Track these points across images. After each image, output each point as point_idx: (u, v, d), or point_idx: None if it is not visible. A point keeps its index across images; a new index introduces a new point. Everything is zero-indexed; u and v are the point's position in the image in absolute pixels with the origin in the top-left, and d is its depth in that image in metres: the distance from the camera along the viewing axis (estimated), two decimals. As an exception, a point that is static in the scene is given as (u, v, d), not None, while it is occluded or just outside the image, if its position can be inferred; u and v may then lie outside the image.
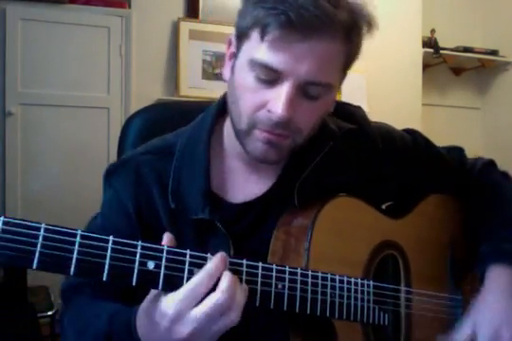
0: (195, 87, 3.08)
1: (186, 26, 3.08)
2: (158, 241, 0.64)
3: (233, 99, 0.76)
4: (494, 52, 3.88)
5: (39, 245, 0.55)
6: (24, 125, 2.78)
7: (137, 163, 0.82)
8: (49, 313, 2.03)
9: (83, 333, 0.72)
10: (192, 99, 2.88)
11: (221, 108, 0.85)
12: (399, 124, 1.03)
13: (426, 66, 3.82)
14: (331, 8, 0.67)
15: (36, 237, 0.55)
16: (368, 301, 0.76)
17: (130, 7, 3.02)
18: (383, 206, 0.90)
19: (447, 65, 3.96)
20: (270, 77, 0.70)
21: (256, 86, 0.71)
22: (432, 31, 3.73)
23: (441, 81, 4.07)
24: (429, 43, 3.71)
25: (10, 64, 2.76)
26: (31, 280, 2.08)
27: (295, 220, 0.78)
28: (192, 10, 3.13)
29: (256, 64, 0.70)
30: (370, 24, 0.76)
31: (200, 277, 0.61)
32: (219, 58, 3.07)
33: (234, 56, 0.76)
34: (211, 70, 3.11)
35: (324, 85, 0.72)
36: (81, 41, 2.88)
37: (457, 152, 0.99)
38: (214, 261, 0.62)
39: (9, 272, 1.92)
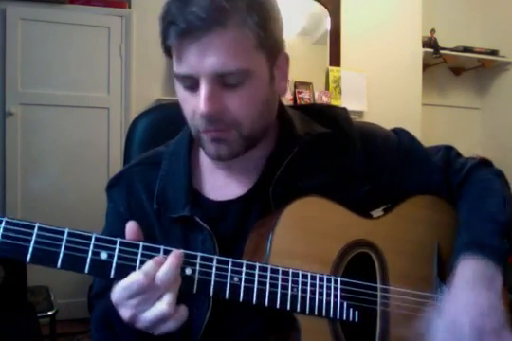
0: (195, 87, 3.09)
1: (186, 26, 3.08)
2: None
3: (183, 115, 0.82)
4: (494, 52, 3.89)
5: None
6: (24, 125, 2.79)
7: (129, 175, 0.90)
8: (49, 313, 2.03)
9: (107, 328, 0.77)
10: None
11: None
12: (399, 124, 1.03)
13: (426, 66, 3.82)
14: (213, 5, 0.70)
15: None
16: (335, 296, 0.76)
17: (130, 7, 3.02)
18: (378, 211, 0.90)
19: (446, 65, 3.97)
20: (190, 83, 0.75)
21: (186, 96, 0.78)
22: (432, 31, 3.74)
23: (441, 81, 4.07)
24: (429, 43, 3.72)
25: (10, 64, 2.76)
26: (31, 280, 2.08)
27: (266, 221, 0.81)
28: (191, 10, 3.13)
29: (176, 78, 0.77)
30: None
31: (135, 275, 0.65)
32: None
33: None
34: (211, 70, 3.11)
35: (239, 72, 0.73)
36: (81, 41, 2.88)
37: (446, 151, 0.97)
38: (150, 263, 0.66)
39: (10, 272, 1.92)
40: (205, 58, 0.72)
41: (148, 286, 0.65)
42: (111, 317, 0.73)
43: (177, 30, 0.71)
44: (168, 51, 0.77)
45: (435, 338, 0.74)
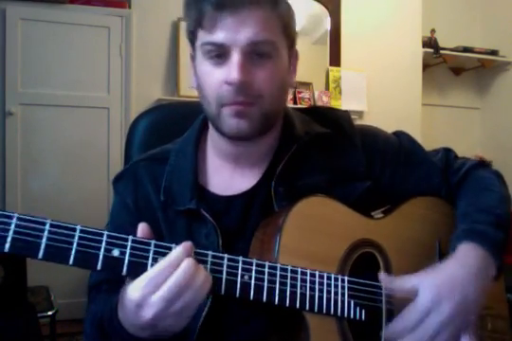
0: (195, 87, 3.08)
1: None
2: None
3: (201, 94, 0.84)
4: (494, 52, 3.89)
5: (11, 232, 0.62)
6: (24, 125, 2.79)
7: (136, 169, 0.92)
8: (49, 313, 2.03)
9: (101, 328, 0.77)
10: (192, 99, 2.88)
11: (204, 121, 0.93)
12: (399, 124, 1.03)
13: (426, 66, 3.82)
14: None
15: (9, 224, 0.62)
16: (342, 295, 0.77)
17: (130, 7, 3.02)
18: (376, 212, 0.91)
19: (446, 65, 3.97)
20: (218, 53, 0.78)
21: (213, 69, 0.79)
22: (432, 31, 3.74)
23: (441, 81, 4.08)
24: (429, 43, 3.72)
25: (10, 64, 2.76)
26: (31, 280, 2.08)
27: (271, 220, 0.82)
28: (191, 10, 3.13)
29: (205, 47, 0.79)
30: None
31: (161, 264, 0.65)
32: (219, 58, 3.07)
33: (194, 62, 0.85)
34: (211, 70, 3.11)
35: (269, 43, 0.79)
36: (81, 41, 2.88)
37: (445, 153, 1.00)
38: (176, 251, 0.67)
39: (10, 272, 1.92)
40: (241, 28, 0.76)
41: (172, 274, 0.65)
42: (105, 323, 0.73)
43: (213, 2, 0.76)
44: (198, 22, 0.79)
45: (412, 307, 0.75)
